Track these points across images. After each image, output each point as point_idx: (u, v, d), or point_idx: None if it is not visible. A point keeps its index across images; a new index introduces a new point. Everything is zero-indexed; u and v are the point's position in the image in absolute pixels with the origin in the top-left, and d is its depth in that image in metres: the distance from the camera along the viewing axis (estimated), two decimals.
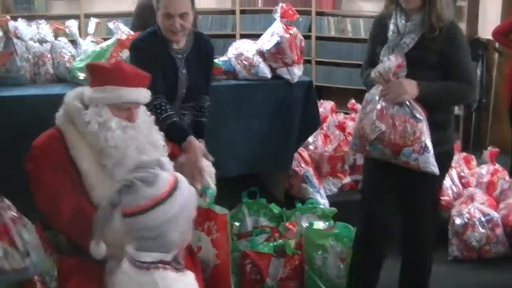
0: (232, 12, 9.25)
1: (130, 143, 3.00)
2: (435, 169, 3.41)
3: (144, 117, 3.19)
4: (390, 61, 3.43)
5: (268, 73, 4.75)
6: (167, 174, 2.39)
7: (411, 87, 3.41)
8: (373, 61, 3.72)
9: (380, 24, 3.75)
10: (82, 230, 2.69)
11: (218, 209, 3.80)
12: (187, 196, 2.39)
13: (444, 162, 3.65)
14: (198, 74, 3.96)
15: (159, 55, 3.84)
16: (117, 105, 3.03)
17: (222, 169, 4.06)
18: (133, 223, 2.33)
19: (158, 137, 3.21)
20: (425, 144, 3.39)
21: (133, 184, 2.32)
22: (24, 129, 4.13)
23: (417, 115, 3.40)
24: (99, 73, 3.08)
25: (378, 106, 3.47)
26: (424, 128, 3.40)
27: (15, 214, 2.58)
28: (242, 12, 9.25)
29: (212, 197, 3.66)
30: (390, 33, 3.61)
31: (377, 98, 3.50)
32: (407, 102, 3.41)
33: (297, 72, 4.76)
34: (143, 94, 3.11)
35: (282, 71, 4.72)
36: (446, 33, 3.46)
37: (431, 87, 3.46)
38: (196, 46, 3.99)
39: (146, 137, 3.08)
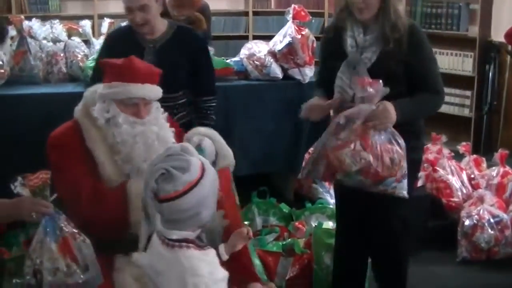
0: (245, 13, 9.31)
1: (138, 139, 2.99)
2: (405, 193, 3.21)
3: (156, 113, 3.14)
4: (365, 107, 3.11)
5: (279, 74, 4.80)
6: (196, 159, 2.50)
7: (393, 114, 3.14)
8: (328, 79, 3.36)
9: (334, 37, 3.46)
10: (101, 210, 2.86)
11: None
12: (213, 175, 2.53)
13: (416, 169, 3.56)
14: (172, 67, 3.85)
15: (127, 44, 3.85)
16: (123, 101, 3.03)
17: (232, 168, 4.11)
18: (169, 207, 2.43)
19: (169, 134, 3.15)
20: (405, 170, 3.18)
21: (169, 172, 2.42)
22: (37, 126, 4.22)
23: (399, 140, 3.17)
24: (110, 70, 3.11)
25: (360, 133, 3.14)
26: (404, 152, 3.17)
27: (74, 229, 2.62)
28: (255, 13, 9.31)
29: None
30: (348, 48, 3.35)
31: (357, 122, 3.13)
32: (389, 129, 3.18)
33: (309, 72, 4.81)
34: (152, 90, 3.08)
35: (294, 72, 4.78)
36: (408, 41, 3.26)
37: (406, 106, 3.22)
38: (174, 39, 3.96)
39: (155, 134, 3.05)
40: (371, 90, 3.04)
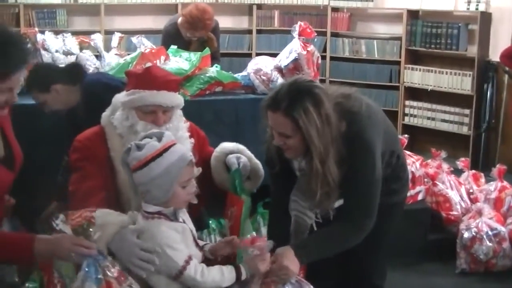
0: (249, 31, 9.44)
1: None
2: None
3: (177, 123, 3.14)
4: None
5: None
6: (158, 143, 2.61)
7: (294, 265, 2.77)
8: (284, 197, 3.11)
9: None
10: None
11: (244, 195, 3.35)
12: (173, 162, 2.59)
13: (398, 211, 3.29)
14: None
15: None
16: (141, 108, 3.05)
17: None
18: (134, 178, 2.62)
19: (186, 145, 3.08)
20: None
21: (132, 147, 2.62)
22: (48, 136, 4.34)
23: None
24: (131, 78, 3.18)
25: None
26: None
27: (120, 272, 2.46)
28: (259, 32, 9.43)
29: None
30: (297, 172, 3.03)
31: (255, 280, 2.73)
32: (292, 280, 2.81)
33: None
34: (168, 97, 3.06)
35: None
36: (346, 150, 2.82)
37: (310, 251, 2.86)
38: None
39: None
40: (256, 251, 2.68)
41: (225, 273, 2.63)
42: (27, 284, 3.78)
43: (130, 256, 2.56)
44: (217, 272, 2.62)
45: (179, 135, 3.09)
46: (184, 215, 2.74)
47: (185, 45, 5.79)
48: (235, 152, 3.32)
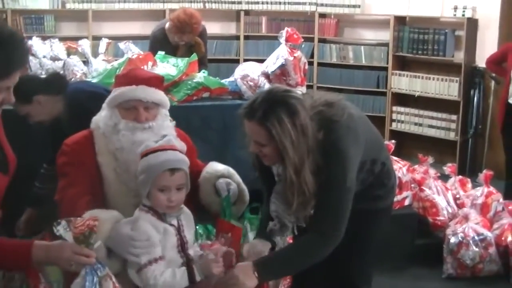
0: (237, 37, 9.45)
1: (135, 147, 2.92)
2: None
3: (162, 121, 3.11)
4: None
5: None
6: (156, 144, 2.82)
7: (248, 279, 2.75)
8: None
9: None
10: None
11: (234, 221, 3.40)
12: (154, 163, 2.75)
13: (384, 215, 3.25)
14: None
15: None
16: (122, 105, 3.03)
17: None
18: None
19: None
20: None
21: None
22: (38, 140, 4.33)
23: None
24: (116, 80, 3.19)
25: None
26: None
27: (115, 285, 2.49)
28: (246, 38, 9.45)
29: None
30: (276, 178, 3.03)
31: None
32: None
33: (300, 93, 4.94)
34: (148, 93, 3.03)
35: None
36: (322, 161, 2.80)
37: (271, 269, 2.84)
38: None
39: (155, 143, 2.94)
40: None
41: (177, 276, 2.69)
42: None
43: (125, 248, 2.66)
44: (169, 275, 2.69)
45: (163, 132, 3.03)
46: (184, 220, 2.84)
47: (173, 50, 5.82)
48: (225, 176, 3.28)
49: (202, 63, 5.83)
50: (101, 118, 3.11)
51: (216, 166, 3.35)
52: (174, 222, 2.78)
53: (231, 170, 3.36)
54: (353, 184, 2.85)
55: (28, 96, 3.99)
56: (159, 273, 2.67)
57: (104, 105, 3.16)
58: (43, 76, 4.50)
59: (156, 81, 3.15)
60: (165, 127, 3.09)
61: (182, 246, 2.79)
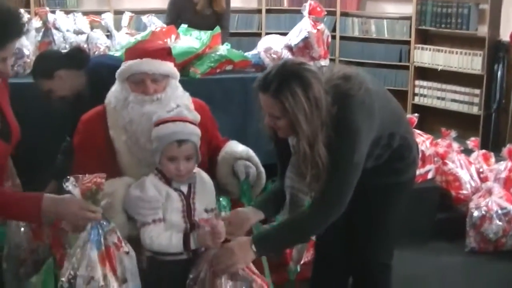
0: (258, 11, 9.43)
1: (143, 119, 2.96)
2: None
3: (172, 92, 3.09)
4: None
5: None
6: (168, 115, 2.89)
7: (244, 253, 2.76)
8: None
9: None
10: None
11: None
12: (164, 134, 2.84)
13: (403, 190, 3.23)
14: None
15: None
16: (130, 78, 3.04)
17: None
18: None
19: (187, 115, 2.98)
20: None
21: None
22: (61, 113, 4.36)
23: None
24: (125, 54, 3.18)
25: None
26: None
27: (119, 239, 2.59)
28: (268, 11, 9.42)
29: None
30: (292, 149, 3.01)
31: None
32: (241, 272, 2.76)
33: (323, 65, 4.93)
34: (154, 65, 3.02)
35: None
36: (335, 124, 2.79)
37: (267, 241, 2.85)
38: None
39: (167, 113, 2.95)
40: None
41: (173, 240, 2.78)
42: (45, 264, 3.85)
43: (134, 209, 2.80)
44: (165, 238, 2.78)
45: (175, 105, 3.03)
46: (199, 188, 2.91)
47: (192, 8, 5.86)
48: (244, 158, 3.27)
49: (223, 27, 5.82)
50: (113, 92, 3.13)
51: (235, 147, 3.33)
52: (184, 188, 2.87)
53: (250, 152, 3.34)
54: (362, 160, 2.85)
55: (49, 72, 4.02)
56: (156, 235, 2.77)
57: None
58: (64, 51, 4.51)
59: (163, 53, 3.12)
60: (175, 98, 3.07)
61: (188, 212, 2.86)
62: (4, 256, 3.42)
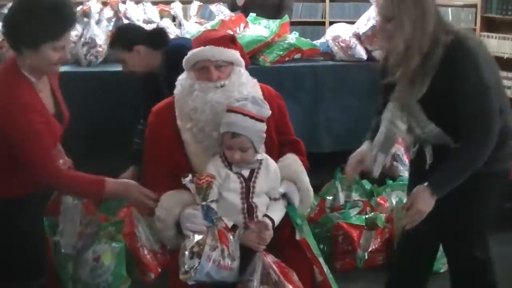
0: (322, 0, 9.42)
1: (206, 108, 3.01)
2: None
3: (236, 79, 3.11)
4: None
5: (364, 55, 4.96)
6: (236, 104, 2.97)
7: (428, 205, 2.92)
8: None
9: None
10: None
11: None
12: (225, 122, 2.96)
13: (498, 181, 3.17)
14: None
15: None
16: (195, 66, 3.09)
17: (318, 145, 4.27)
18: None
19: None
20: None
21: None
22: (130, 101, 4.47)
23: None
24: (192, 43, 3.23)
25: None
26: None
27: (226, 226, 2.88)
28: (332, 0, 9.40)
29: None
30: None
31: None
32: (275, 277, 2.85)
33: None
34: (216, 51, 3.05)
35: (377, 53, 4.89)
36: (445, 64, 2.87)
37: (443, 184, 2.94)
38: None
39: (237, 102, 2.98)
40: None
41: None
42: (113, 244, 3.99)
43: (184, 224, 2.91)
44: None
45: (239, 89, 3.07)
46: (263, 173, 3.00)
47: None
48: (293, 179, 3.12)
49: (286, 7, 5.83)
50: (180, 80, 3.19)
51: (287, 166, 3.15)
52: (245, 172, 2.98)
53: (300, 173, 3.15)
54: (492, 83, 2.88)
55: (129, 44, 4.12)
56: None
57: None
58: (148, 28, 4.62)
59: (225, 40, 3.15)
60: (240, 85, 3.10)
61: (247, 193, 2.97)
62: (58, 231, 3.78)
